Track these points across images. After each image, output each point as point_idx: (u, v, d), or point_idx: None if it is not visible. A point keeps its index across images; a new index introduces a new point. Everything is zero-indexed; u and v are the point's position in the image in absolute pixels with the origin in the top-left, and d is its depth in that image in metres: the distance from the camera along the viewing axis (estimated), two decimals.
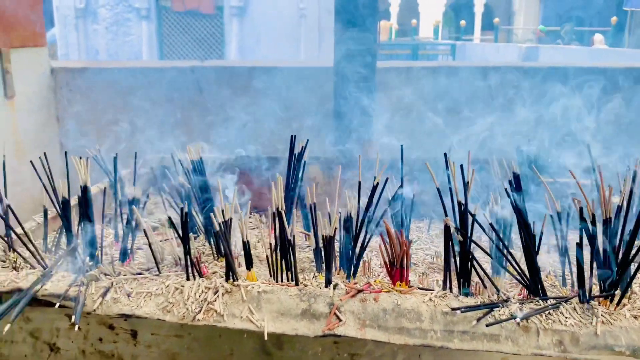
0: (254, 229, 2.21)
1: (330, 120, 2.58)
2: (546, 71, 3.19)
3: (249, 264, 1.49)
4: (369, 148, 2.42)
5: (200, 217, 1.96)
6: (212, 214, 1.33)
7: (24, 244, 1.53)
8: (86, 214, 1.63)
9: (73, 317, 1.33)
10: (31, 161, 1.75)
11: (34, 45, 3.01)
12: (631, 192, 1.37)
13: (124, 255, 1.81)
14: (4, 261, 1.68)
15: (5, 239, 1.63)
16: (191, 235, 2.01)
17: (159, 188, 2.19)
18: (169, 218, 1.42)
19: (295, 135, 1.77)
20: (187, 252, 1.38)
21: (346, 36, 2.44)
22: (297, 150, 1.84)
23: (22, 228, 1.58)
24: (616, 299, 1.31)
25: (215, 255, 1.81)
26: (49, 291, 1.41)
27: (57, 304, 1.37)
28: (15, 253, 1.70)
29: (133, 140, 2.85)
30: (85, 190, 1.64)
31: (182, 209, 1.27)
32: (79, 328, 1.53)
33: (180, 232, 1.35)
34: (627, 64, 3.46)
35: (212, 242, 1.82)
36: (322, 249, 1.41)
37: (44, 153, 1.78)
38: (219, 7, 11.80)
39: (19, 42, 2.87)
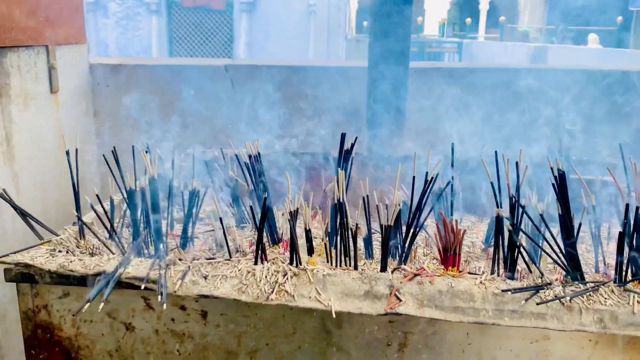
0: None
1: (364, 118, 2.71)
2: None
3: (311, 251, 1.64)
4: (402, 145, 2.56)
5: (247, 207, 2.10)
6: (284, 204, 1.47)
7: (108, 231, 1.67)
8: (154, 204, 1.77)
9: (159, 297, 1.47)
10: (103, 155, 1.89)
11: (75, 42, 3.15)
12: None
13: (185, 242, 1.95)
14: (78, 247, 1.82)
15: (85, 226, 1.77)
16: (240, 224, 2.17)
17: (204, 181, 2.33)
18: (251, 208, 1.55)
19: (345, 133, 1.91)
20: (260, 239, 1.52)
21: (381, 35, 2.57)
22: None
23: (105, 213, 1.71)
24: None
25: (270, 244, 1.95)
26: (132, 274, 1.55)
27: (142, 286, 1.51)
28: (87, 239, 1.84)
29: (167, 136, 2.98)
30: (152, 181, 1.77)
31: (264, 199, 1.41)
32: (152, 308, 1.68)
33: (258, 221, 1.48)
34: None
35: (266, 231, 1.96)
36: (382, 238, 1.55)
37: (114, 147, 1.92)
38: (229, 3, 11.93)
39: (64, 39, 3.00)
